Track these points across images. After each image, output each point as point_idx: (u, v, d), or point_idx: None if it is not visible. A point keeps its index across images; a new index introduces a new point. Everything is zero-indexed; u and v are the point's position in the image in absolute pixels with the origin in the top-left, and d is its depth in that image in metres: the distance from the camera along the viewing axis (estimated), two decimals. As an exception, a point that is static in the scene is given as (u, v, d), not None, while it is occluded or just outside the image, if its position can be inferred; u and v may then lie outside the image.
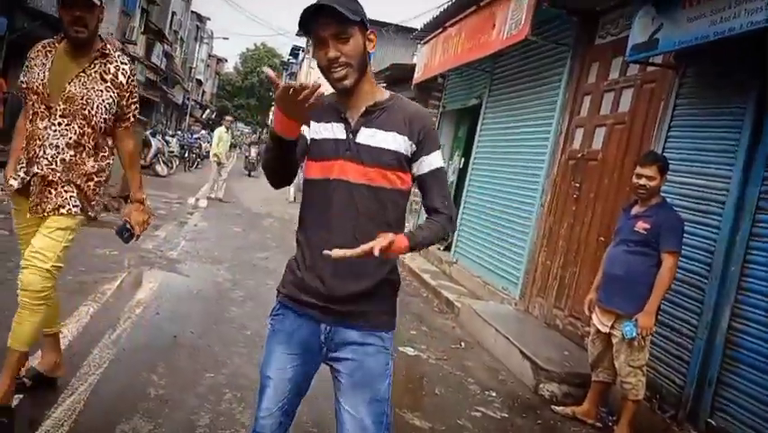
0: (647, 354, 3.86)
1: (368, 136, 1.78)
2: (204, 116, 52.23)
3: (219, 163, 13.65)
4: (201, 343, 4.27)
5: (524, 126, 7.39)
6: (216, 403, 3.35)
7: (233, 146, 22.58)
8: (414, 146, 1.80)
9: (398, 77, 13.31)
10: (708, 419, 3.76)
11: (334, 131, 1.79)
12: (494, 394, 4.48)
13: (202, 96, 58.23)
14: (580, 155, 6.03)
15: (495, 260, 7.50)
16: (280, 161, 1.75)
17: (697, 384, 3.86)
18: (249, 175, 23.13)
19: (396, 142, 1.78)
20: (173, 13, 36.82)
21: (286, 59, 54.69)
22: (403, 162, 1.80)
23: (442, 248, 9.94)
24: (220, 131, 14.09)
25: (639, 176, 3.89)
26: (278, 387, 1.81)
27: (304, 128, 1.78)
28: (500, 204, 7.64)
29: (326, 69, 1.75)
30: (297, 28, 1.76)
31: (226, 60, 72.03)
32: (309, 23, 1.70)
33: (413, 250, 1.75)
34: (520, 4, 6.46)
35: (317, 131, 1.81)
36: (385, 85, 16.10)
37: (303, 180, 1.87)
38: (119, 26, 23.92)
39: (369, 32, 1.78)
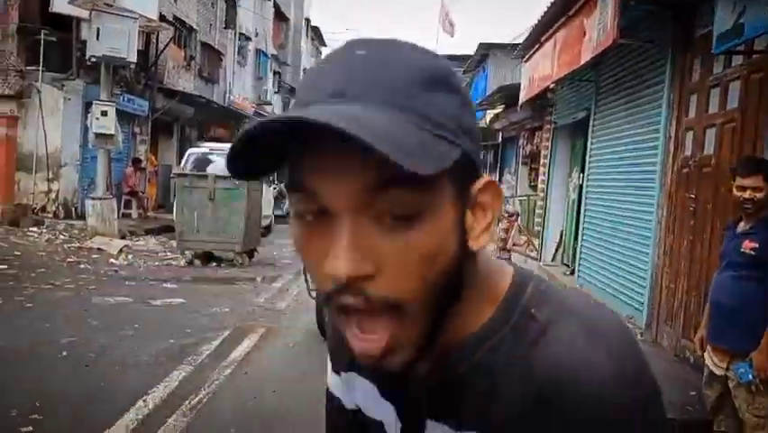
0: (776, 400, 3.18)
1: None
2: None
3: None
4: (280, 405, 4.24)
5: (631, 135, 6.74)
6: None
7: None
8: None
9: (509, 99, 12.91)
10: None
11: (381, 411, 0.71)
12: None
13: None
14: (692, 162, 5.32)
15: (618, 285, 6.84)
16: None
17: None
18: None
19: None
20: (305, 70, 39.25)
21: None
22: None
23: (568, 272, 9.31)
24: None
25: (742, 188, 3.26)
26: None
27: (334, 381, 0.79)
28: (617, 222, 6.99)
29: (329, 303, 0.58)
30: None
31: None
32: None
33: None
34: (605, 6, 5.96)
35: (359, 397, 0.75)
36: (503, 108, 15.70)
37: None
38: (254, 90, 25.92)
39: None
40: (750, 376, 3.10)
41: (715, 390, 3.48)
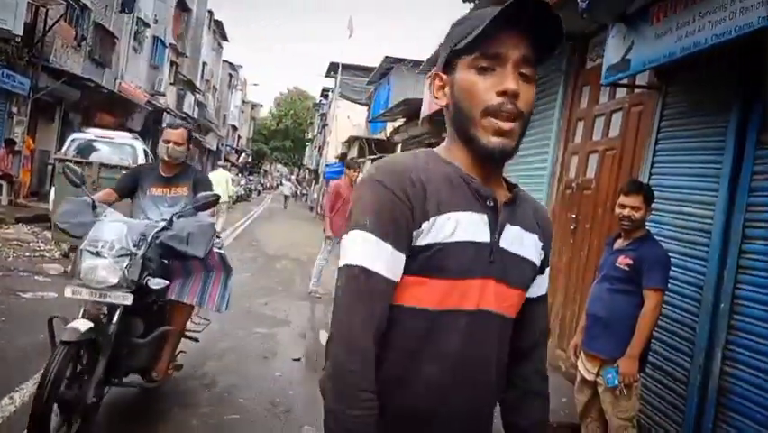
0: (637, 404, 3.48)
1: (513, 239, 1.22)
2: (239, 160, 53.34)
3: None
4: (161, 402, 4.07)
5: (522, 156, 7.09)
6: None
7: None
8: (542, 257, 1.31)
9: (411, 113, 13.21)
10: (708, 477, 3.35)
11: (476, 228, 1.16)
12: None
13: (238, 141, 59.57)
14: (575, 184, 5.72)
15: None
16: None
17: (694, 436, 3.46)
18: (285, 208, 31.14)
19: (536, 249, 1.27)
20: (204, 64, 37.96)
21: (317, 101, 55.61)
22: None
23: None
24: (225, 174, 13.30)
25: (623, 206, 3.55)
26: None
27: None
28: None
29: (490, 112, 1.12)
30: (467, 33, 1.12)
31: (261, 105, 73.85)
32: (497, 26, 1.09)
33: None
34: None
35: (453, 226, 1.14)
36: (404, 121, 15.99)
37: (394, 308, 1.16)
38: (148, 78, 24.73)
39: None
40: (616, 381, 3.36)
41: (585, 394, 3.73)
